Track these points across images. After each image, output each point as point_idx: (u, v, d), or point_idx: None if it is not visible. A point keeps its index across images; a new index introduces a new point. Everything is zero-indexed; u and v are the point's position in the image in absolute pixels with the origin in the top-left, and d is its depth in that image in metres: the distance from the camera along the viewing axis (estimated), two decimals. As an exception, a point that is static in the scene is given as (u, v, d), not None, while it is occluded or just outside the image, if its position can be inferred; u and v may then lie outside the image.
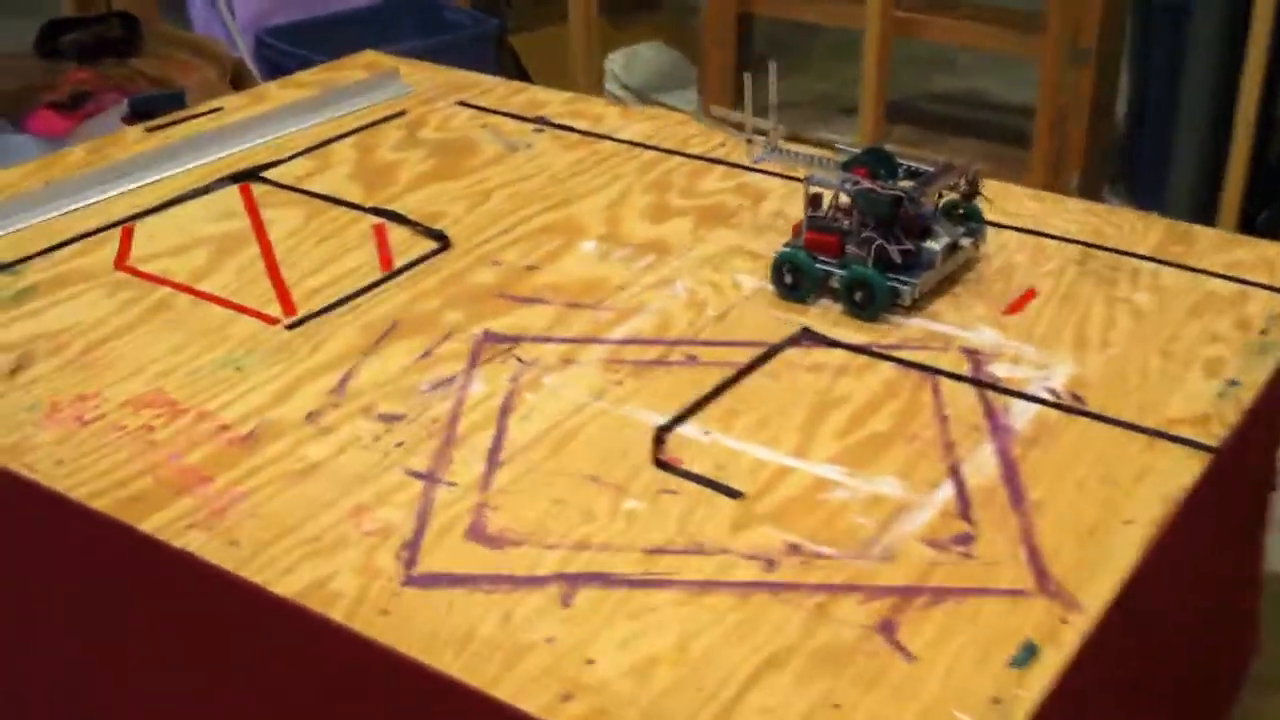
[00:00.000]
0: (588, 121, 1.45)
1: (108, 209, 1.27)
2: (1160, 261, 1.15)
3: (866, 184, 1.08)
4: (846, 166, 1.12)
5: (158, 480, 0.89)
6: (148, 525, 0.86)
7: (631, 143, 1.40)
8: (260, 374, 1.01)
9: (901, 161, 1.14)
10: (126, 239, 1.21)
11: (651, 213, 1.26)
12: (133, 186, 1.31)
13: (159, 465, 0.91)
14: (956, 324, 1.07)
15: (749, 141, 1.18)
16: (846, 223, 1.10)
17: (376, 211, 1.25)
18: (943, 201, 1.13)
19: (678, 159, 1.36)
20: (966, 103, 2.83)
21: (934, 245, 1.09)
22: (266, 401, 0.98)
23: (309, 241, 1.21)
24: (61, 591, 0.96)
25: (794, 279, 1.10)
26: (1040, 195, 1.28)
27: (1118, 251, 1.17)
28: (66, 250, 1.19)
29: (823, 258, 1.09)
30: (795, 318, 1.07)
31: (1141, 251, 1.17)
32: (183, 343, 1.05)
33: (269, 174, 1.34)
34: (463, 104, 1.51)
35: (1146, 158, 2.02)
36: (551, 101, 1.51)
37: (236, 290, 1.13)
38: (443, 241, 1.20)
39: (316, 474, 0.90)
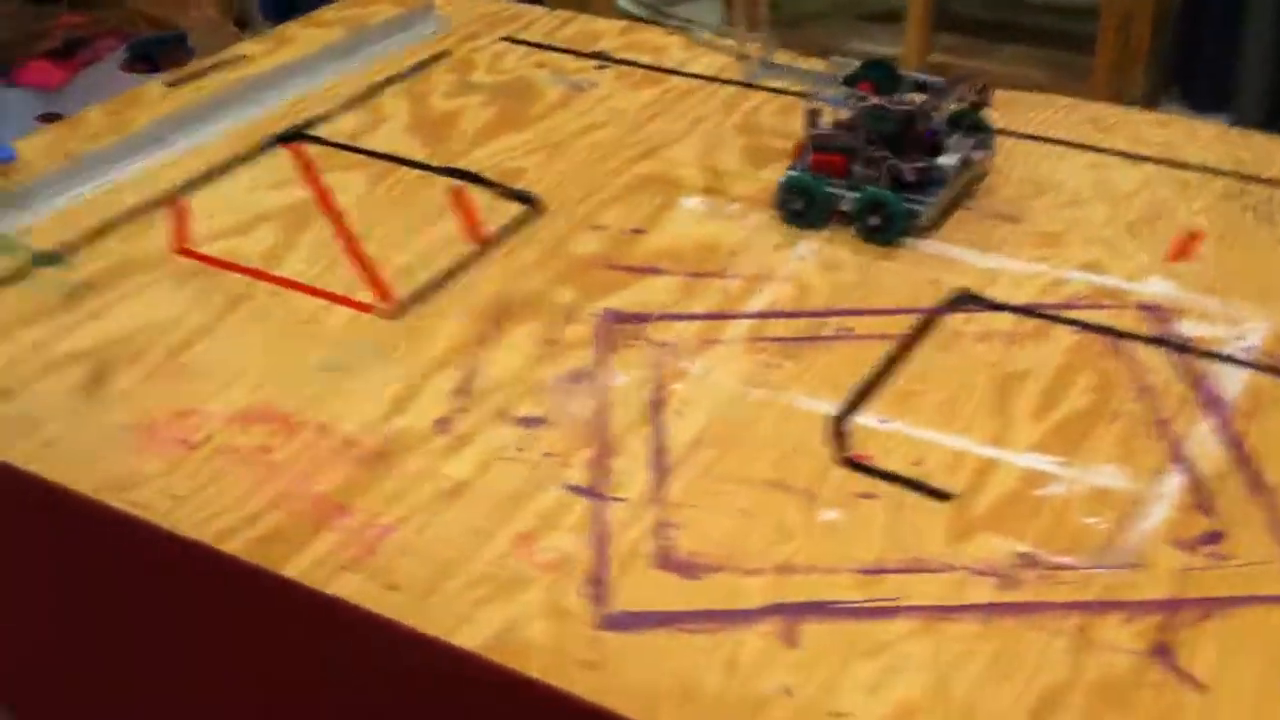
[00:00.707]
0: (650, 55, 1.34)
1: (149, 182, 1.14)
2: (1318, 192, 1.07)
3: (874, 99, 1.02)
4: (849, 82, 1.06)
5: (290, 514, 0.79)
6: (291, 569, 0.76)
7: (705, 77, 1.29)
8: (370, 375, 0.91)
9: (904, 74, 1.08)
10: (182, 217, 1.09)
11: (751, 158, 1.15)
12: (169, 154, 1.19)
13: (288, 494, 0.80)
14: (1122, 275, 0.98)
15: (741, 59, 1.10)
16: (851, 141, 1.04)
17: (450, 172, 1.14)
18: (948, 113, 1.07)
19: (761, 94, 1.25)
20: (1019, 6, 2.68)
21: (947, 161, 1.04)
22: (386, 408, 0.87)
23: (381, 211, 1.09)
24: (183, 645, 0.85)
25: (804, 204, 1.04)
26: (1166, 120, 1.19)
27: (1268, 181, 1.08)
28: (115, 234, 1.07)
29: (830, 180, 1.04)
30: (943, 277, 0.98)
31: (1296, 181, 1.08)
32: (275, 341, 0.94)
33: (317, 132, 1.21)
34: (510, 40, 1.38)
35: (1208, 59, 1.92)
36: (606, 33, 1.39)
37: (318, 274, 1.01)
38: (532, 204, 1.09)
39: (466, 495, 0.80)
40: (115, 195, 1.13)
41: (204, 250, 1.04)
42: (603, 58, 1.33)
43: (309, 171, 1.15)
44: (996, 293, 0.96)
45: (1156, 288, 0.96)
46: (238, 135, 1.21)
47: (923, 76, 1.08)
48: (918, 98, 1.04)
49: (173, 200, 1.11)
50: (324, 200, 1.11)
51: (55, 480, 0.82)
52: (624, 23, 1.43)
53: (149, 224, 1.08)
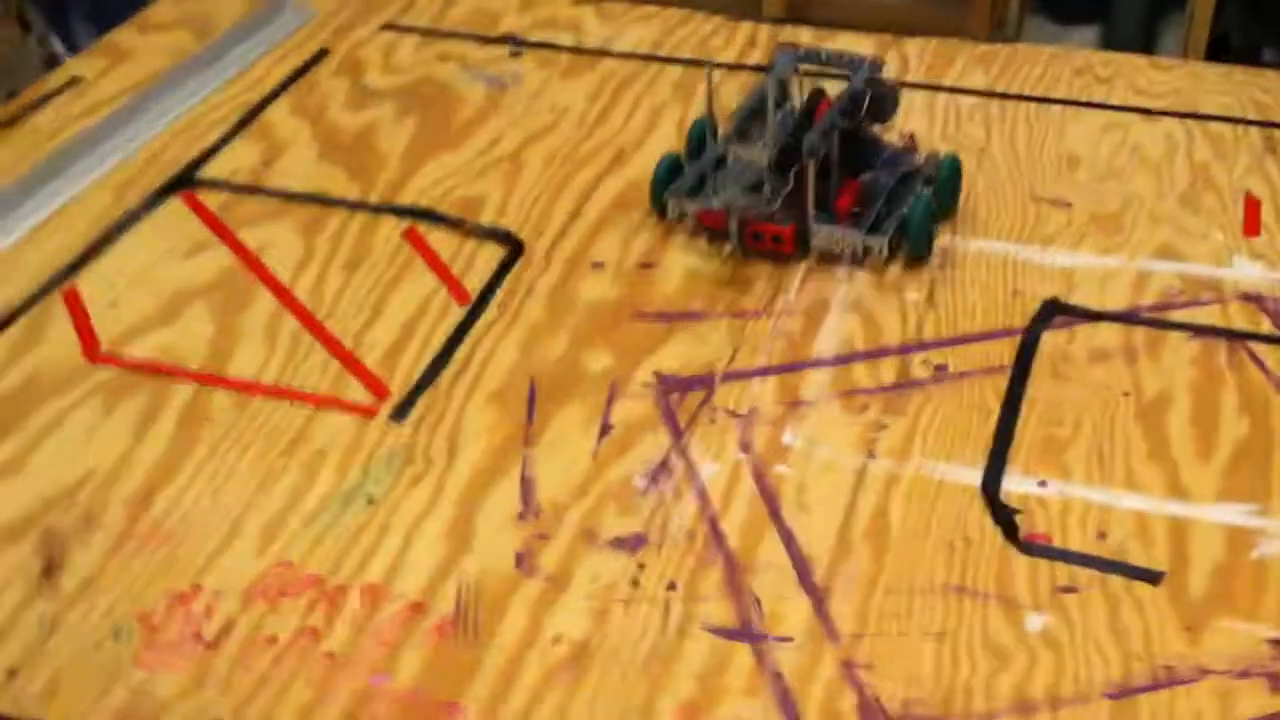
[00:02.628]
0: (567, 33, 1.16)
1: (17, 265, 0.92)
2: (1356, 134, 0.99)
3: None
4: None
5: (385, 727, 0.62)
6: (414, 809, 0.59)
7: (642, 56, 1.12)
8: (405, 505, 0.73)
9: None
10: (78, 310, 0.88)
11: (736, 155, 1.00)
12: (24, 225, 0.96)
13: (369, 696, 0.63)
14: (1207, 260, 0.88)
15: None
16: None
17: (401, 211, 0.95)
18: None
19: (716, 72, 1.09)
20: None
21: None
22: (446, 549, 0.70)
23: (332, 273, 0.90)
24: None
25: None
26: (1164, 64, 1.09)
27: (1303, 127, 1.00)
28: None
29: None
30: (1018, 284, 0.86)
31: (1326, 123, 1.00)
32: (267, 474, 0.75)
33: (211, 172, 1.00)
34: (394, 27, 1.18)
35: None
36: (503, 10, 1.20)
37: (286, 371, 0.82)
38: (513, 245, 0.92)
39: (595, 663, 0.64)
40: (-24, 286, 0.90)
41: (127, 354, 0.84)
42: (514, 41, 1.15)
43: (219, 228, 0.94)
44: (1084, 298, 0.85)
45: (1247, 271, 0.87)
46: (108, 188, 0.99)
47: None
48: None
49: (62, 288, 0.89)
50: (255, 266, 0.91)
51: (44, 725, 0.63)
52: (518, -5, 1.24)
53: (39, 325, 0.86)
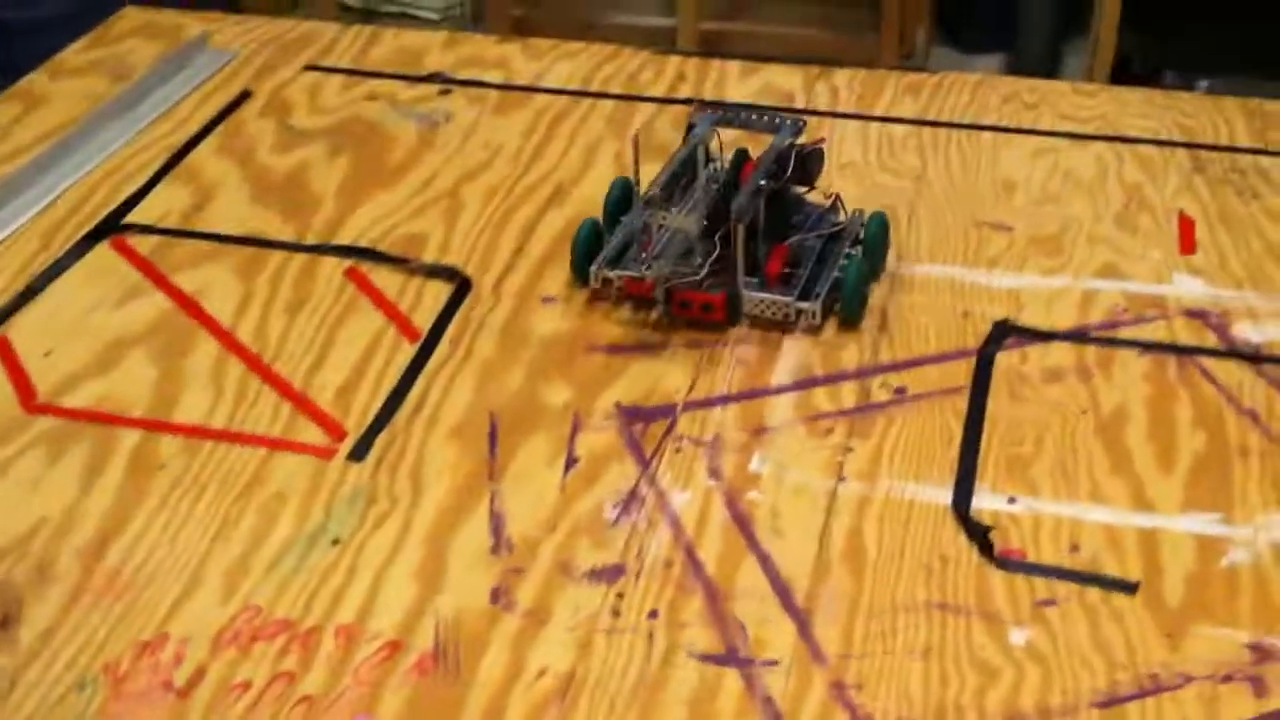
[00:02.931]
0: (495, 70, 1.16)
1: (-59, 315, 0.88)
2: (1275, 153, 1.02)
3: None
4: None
5: (373, 772, 0.60)
6: None
7: (573, 92, 1.12)
8: (372, 544, 0.71)
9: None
10: (10, 360, 0.84)
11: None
12: (-50, 271, 0.92)
13: (355, 744, 0.61)
14: (1148, 279, 0.89)
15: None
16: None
17: (340, 250, 0.93)
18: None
19: (648, 105, 1.10)
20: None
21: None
22: (416, 589, 0.68)
23: (274, 316, 0.88)
24: None
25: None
26: (1085, 89, 1.11)
27: (1225, 149, 1.02)
28: (-71, 397, 0.82)
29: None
30: (967, 305, 0.87)
31: (1245, 144, 1.03)
32: (225, 519, 0.73)
33: (139, 217, 0.98)
34: (316, 68, 1.17)
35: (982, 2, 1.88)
36: (426, 48, 1.19)
37: (235, 415, 0.80)
38: (460, 281, 0.90)
39: (583, 695, 0.63)
40: (-102, 338, 0.86)
41: (66, 403, 0.81)
42: (442, 79, 1.14)
43: (152, 273, 0.92)
44: (1033, 318, 0.86)
45: (1187, 287, 0.88)
46: (33, 235, 0.96)
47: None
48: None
49: (-10, 336, 0.86)
50: (194, 310, 0.88)
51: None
52: (442, 33, 1.23)
53: (-31, 374, 0.83)
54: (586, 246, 0.89)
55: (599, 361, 0.83)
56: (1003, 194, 0.98)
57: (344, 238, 0.95)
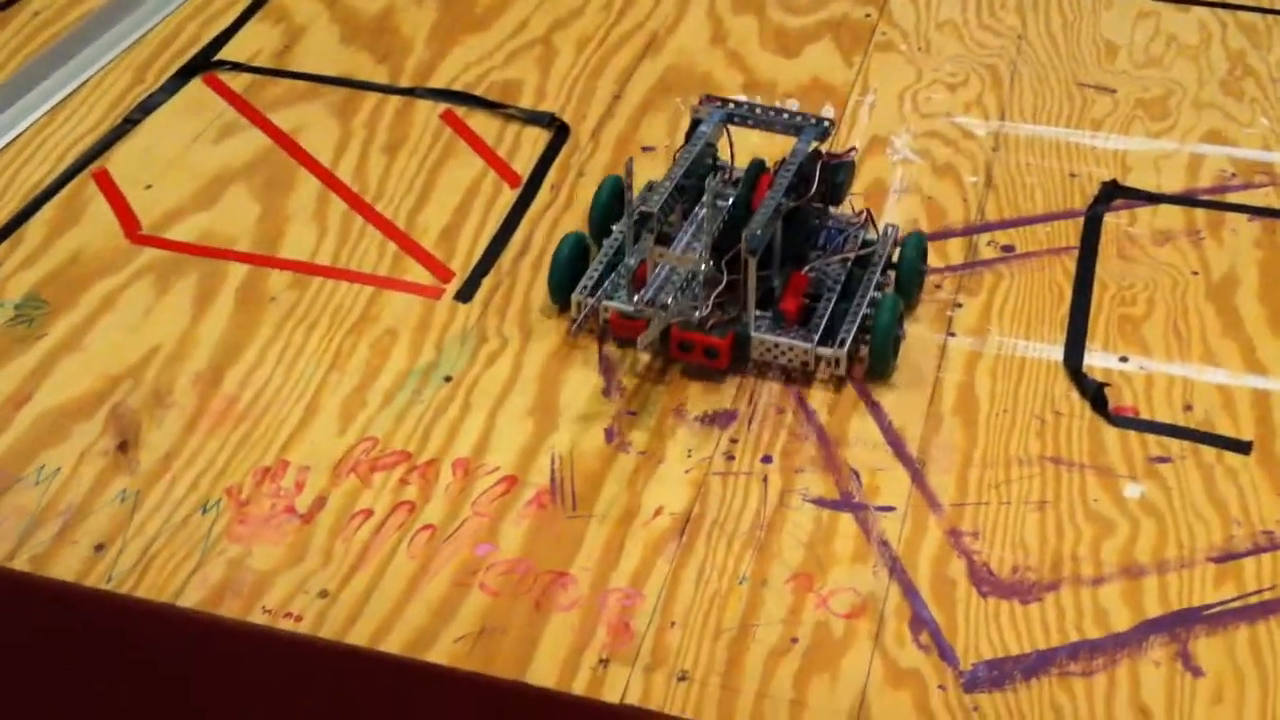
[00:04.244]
0: (583, -81, 1.13)
1: (41, 146, 0.88)
2: None
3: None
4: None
5: (497, 594, 0.61)
6: (539, 675, 0.58)
7: (663, -57, 1.10)
8: (484, 382, 0.71)
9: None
10: (112, 191, 0.84)
11: (771, 40, 0.98)
12: (46, 106, 0.92)
13: (476, 567, 0.62)
14: (1256, 145, 0.88)
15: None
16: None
17: (437, 94, 0.92)
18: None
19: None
20: None
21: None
22: (531, 426, 0.69)
23: (372, 156, 0.87)
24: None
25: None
26: None
27: None
28: (34, 224, 0.82)
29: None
30: (1074, 166, 0.86)
31: None
32: (337, 352, 0.73)
33: (229, 54, 0.97)
34: (401, -87, 1.14)
35: None
36: (514, -104, 1.17)
37: (341, 252, 0.80)
38: (558, 128, 0.90)
39: (700, 534, 0.63)
40: (6, 173, 0.86)
41: (169, 235, 0.81)
42: (530, -73, 1.12)
43: (247, 110, 0.91)
44: (1140, 180, 0.85)
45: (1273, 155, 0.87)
46: (126, 70, 0.95)
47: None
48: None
49: (92, 169, 0.86)
50: (292, 149, 0.88)
51: (147, 600, 0.61)
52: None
53: (70, 208, 0.83)
54: (570, 269, 0.74)
55: (702, 211, 0.83)
56: (1105, 56, 0.96)
57: (437, 82, 0.94)
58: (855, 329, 0.70)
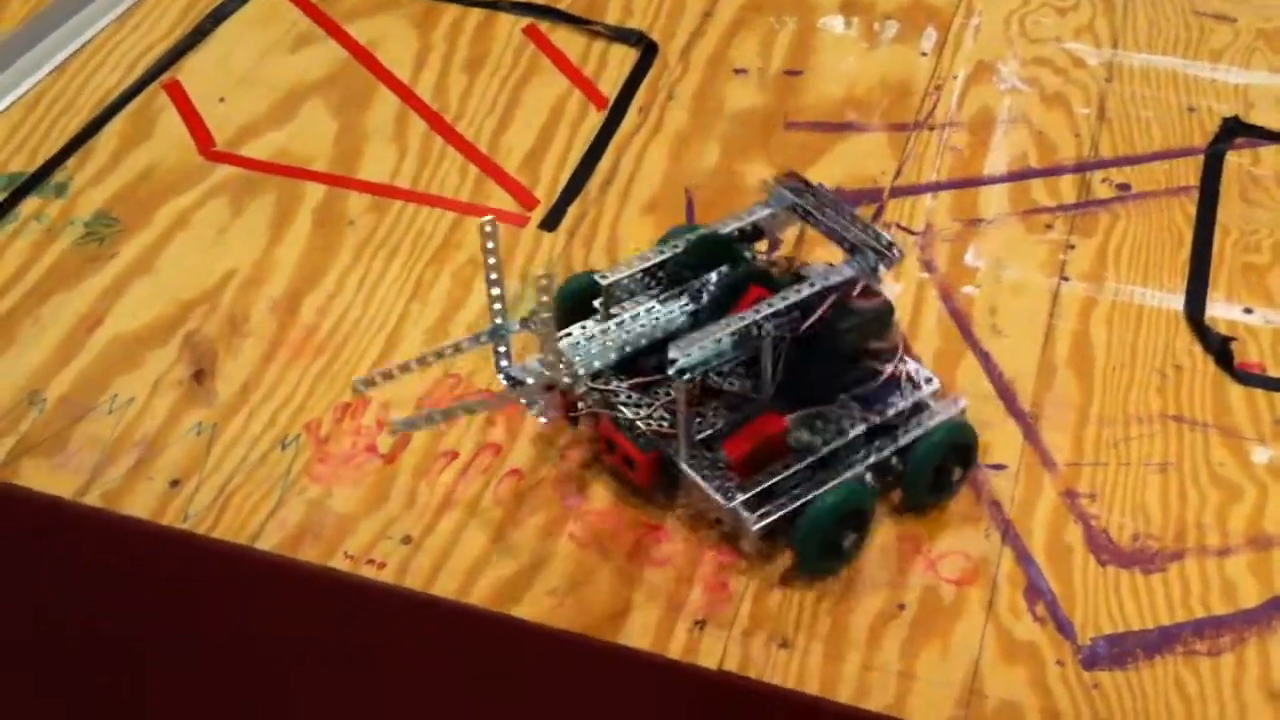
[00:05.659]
0: None
1: (110, 55, 0.85)
2: None
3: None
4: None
5: (590, 547, 0.58)
6: (631, 636, 0.55)
7: None
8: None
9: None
10: (185, 104, 0.81)
11: (871, -43, 0.94)
12: (113, 14, 0.88)
13: (565, 517, 0.59)
14: (1389, 82, 0.83)
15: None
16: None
17: (518, 8, 0.88)
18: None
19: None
20: None
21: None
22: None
23: (452, 73, 0.84)
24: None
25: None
26: None
27: None
28: (105, 137, 0.79)
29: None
30: (1192, 100, 0.81)
31: None
32: (419, 281, 0.70)
33: (304, -39, 0.93)
34: None
35: None
36: None
37: (419, 175, 0.76)
38: (645, 44, 0.85)
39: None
40: (74, 83, 0.83)
41: (244, 152, 0.78)
42: None
43: (323, 20, 0.87)
44: (1264, 118, 0.80)
45: None
46: (192, -28, 0.91)
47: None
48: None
49: (163, 80, 0.82)
50: (370, 63, 0.84)
51: (228, 542, 0.58)
52: None
53: (141, 120, 0.80)
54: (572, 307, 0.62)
55: (797, 140, 0.79)
56: (1225, -19, 0.91)
57: (518, -7, 0.90)
58: (793, 510, 0.56)
